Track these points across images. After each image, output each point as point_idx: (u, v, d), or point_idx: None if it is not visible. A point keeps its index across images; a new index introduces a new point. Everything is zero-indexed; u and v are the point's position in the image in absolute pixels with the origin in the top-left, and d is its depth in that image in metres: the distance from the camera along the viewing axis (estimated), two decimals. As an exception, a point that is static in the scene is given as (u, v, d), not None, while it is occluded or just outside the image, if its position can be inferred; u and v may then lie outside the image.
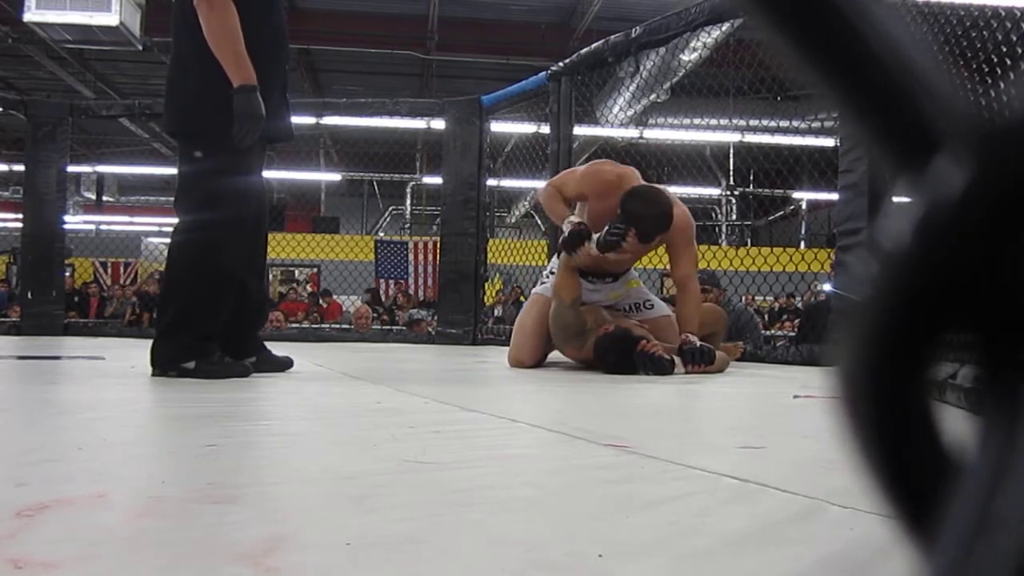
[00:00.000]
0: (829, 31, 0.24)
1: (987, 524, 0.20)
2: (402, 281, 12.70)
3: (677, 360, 3.05)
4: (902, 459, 0.23)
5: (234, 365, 2.68)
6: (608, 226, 3.05)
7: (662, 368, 2.98)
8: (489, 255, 6.32)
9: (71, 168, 7.68)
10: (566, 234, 3.15)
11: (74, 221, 13.43)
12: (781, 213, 16.13)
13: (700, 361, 3.06)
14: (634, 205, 3.05)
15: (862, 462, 0.24)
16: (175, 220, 2.81)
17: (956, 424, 0.24)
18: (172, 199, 2.89)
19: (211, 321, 2.68)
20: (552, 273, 3.49)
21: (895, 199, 0.23)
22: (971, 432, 0.23)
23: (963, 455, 0.23)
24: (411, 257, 12.91)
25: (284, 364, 2.98)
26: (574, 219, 3.18)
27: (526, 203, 15.51)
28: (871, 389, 0.23)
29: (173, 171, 2.87)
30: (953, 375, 1.66)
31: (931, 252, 0.22)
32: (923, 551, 0.23)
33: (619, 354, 3.04)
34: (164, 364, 2.62)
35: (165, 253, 2.92)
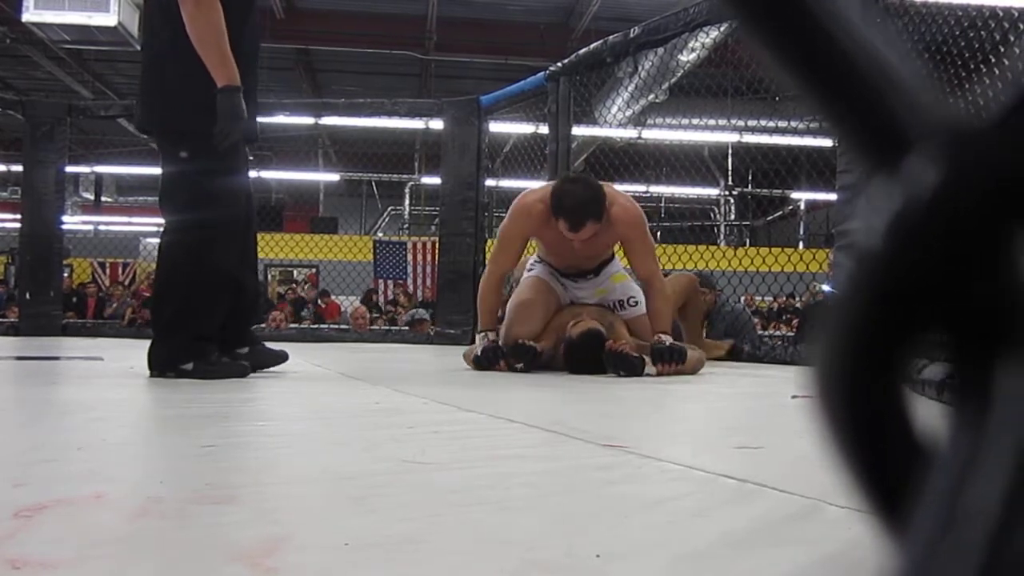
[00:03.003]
0: (803, 33, 0.24)
1: (955, 519, 0.20)
2: (401, 281, 12.69)
3: (647, 359, 3.02)
4: (876, 455, 0.23)
5: (232, 365, 2.67)
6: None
7: (631, 367, 2.95)
8: (488, 255, 6.32)
9: (69, 168, 7.68)
10: (478, 353, 3.21)
11: (72, 221, 13.42)
12: (780, 213, 16.14)
13: (670, 360, 3.03)
14: (559, 193, 3.06)
15: (838, 458, 0.24)
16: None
17: (931, 420, 0.24)
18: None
19: (207, 321, 2.67)
20: (538, 260, 3.50)
21: (871, 198, 0.24)
22: (944, 428, 0.23)
23: (936, 450, 0.23)
24: (410, 257, 12.91)
25: (278, 357, 2.97)
26: (490, 336, 3.23)
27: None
28: (845, 386, 0.23)
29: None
30: (952, 375, 1.66)
31: (903, 251, 0.22)
32: (897, 545, 0.23)
33: (588, 354, 3.04)
34: (162, 365, 2.61)
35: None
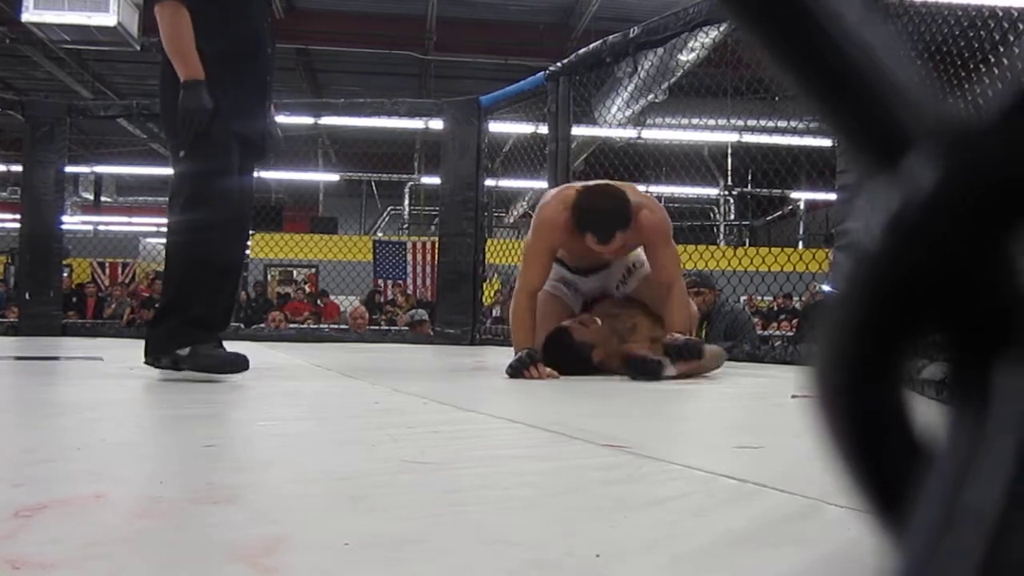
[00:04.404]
0: (803, 33, 0.24)
1: (954, 518, 0.20)
2: (401, 281, 12.69)
3: (665, 360, 2.93)
4: (875, 455, 0.23)
5: (231, 355, 2.64)
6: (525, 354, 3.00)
7: (654, 371, 2.88)
8: (487, 255, 6.32)
9: (69, 168, 7.67)
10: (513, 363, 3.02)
11: (72, 221, 13.41)
12: (779, 213, 16.14)
13: (688, 356, 2.97)
14: (584, 206, 2.97)
15: (837, 458, 0.24)
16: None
17: (931, 419, 0.24)
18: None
19: (202, 308, 2.70)
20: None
21: (870, 198, 0.24)
22: (943, 428, 0.23)
23: (935, 450, 0.23)
24: (410, 257, 12.91)
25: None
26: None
27: (524, 203, 15.53)
28: (844, 386, 0.23)
29: (171, 171, 2.99)
30: (950, 374, 1.66)
31: (901, 251, 0.22)
32: (896, 544, 0.23)
33: (557, 354, 3.00)
34: (155, 351, 2.63)
35: (163, 253, 3.03)
